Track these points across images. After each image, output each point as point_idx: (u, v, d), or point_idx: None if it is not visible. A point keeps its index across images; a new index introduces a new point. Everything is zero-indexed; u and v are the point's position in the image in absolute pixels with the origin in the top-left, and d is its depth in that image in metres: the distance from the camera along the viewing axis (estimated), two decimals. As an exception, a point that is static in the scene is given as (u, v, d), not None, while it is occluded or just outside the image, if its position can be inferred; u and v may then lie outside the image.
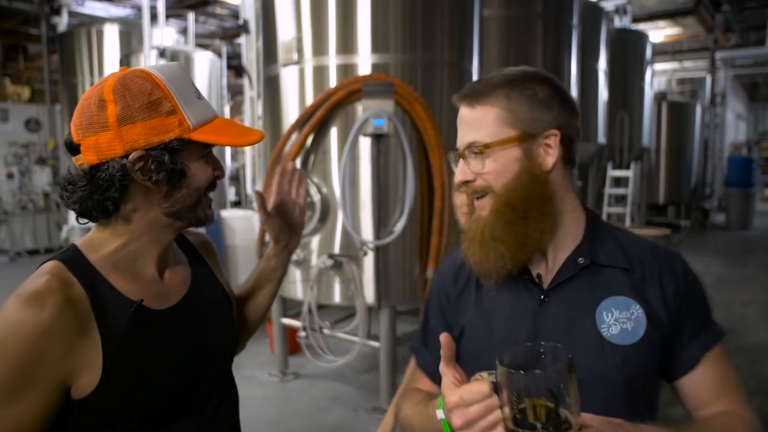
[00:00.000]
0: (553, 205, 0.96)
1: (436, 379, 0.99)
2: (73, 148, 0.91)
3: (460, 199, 1.41)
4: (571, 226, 0.99)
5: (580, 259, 0.97)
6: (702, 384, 0.97)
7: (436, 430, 0.86)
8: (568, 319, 0.95)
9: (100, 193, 0.89)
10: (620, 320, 0.94)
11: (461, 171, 0.97)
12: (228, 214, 6.06)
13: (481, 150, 0.94)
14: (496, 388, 0.72)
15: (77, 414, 0.89)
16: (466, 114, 0.98)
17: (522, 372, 0.68)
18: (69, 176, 0.92)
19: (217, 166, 0.99)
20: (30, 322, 0.82)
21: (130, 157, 0.88)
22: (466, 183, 0.98)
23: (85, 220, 0.94)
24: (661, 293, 0.96)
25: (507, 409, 0.70)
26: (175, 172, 0.91)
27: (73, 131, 0.91)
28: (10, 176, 9.55)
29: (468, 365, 0.91)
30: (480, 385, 0.74)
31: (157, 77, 0.89)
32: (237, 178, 10.34)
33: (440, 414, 0.82)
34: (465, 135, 0.97)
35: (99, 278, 0.91)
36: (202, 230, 1.24)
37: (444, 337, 0.81)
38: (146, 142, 0.88)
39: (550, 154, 0.94)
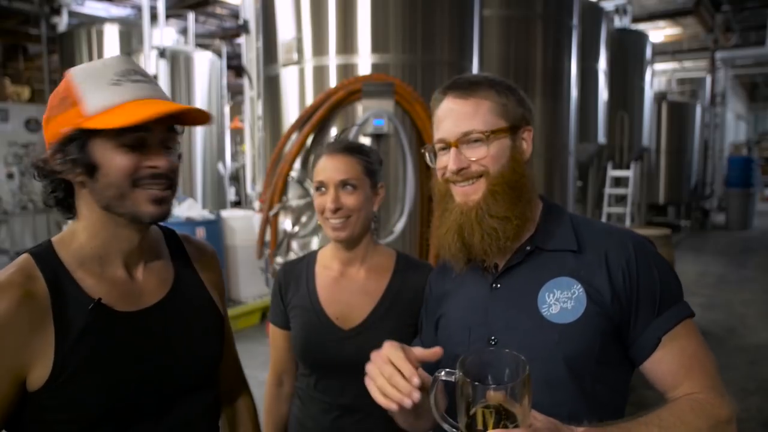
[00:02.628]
0: (527, 191, 1.04)
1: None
2: None
3: (319, 201, 1.40)
4: (530, 216, 1.05)
5: (527, 246, 1.04)
6: (664, 367, 0.96)
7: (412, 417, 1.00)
8: (514, 303, 1.01)
9: (46, 190, 0.95)
10: (561, 300, 0.97)
11: (456, 159, 1.02)
12: (228, 214, 6.07)
13: (480, 137, 1.02)
14: (459, 383, 0.76)
15: (32, 406, 0.89)
16: (457, 106, 1.04)
17: (477, 384, 0.73)
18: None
19: (149, 157, 0.91)
20: None
21: (47, 153, 0.92)
22: (460, 171, 1.03)
23: (70, 216, 0.98)
24: (607, 273, 0.97)
25: (462, 415, 0.75)
26: (83, 163, 0.90)
27: None
28: (10, 176, 9.55)
29: (444, 352, 1.04)
30: (401, 358, 0.86)
31: (71, 75, 0.92)
32: (237, 178, 10.34)
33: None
34: (458, 125, 1.03)
35: (64, 274, 0.93)
36: (204, 241, 1.23)
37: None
38: (54, 137, 0.91)
39: (527, 147, 1.06)
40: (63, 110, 0.90)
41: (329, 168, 1.38)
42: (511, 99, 1.05)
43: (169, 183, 0.95)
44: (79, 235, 0.97)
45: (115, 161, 0.90)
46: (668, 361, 0.95)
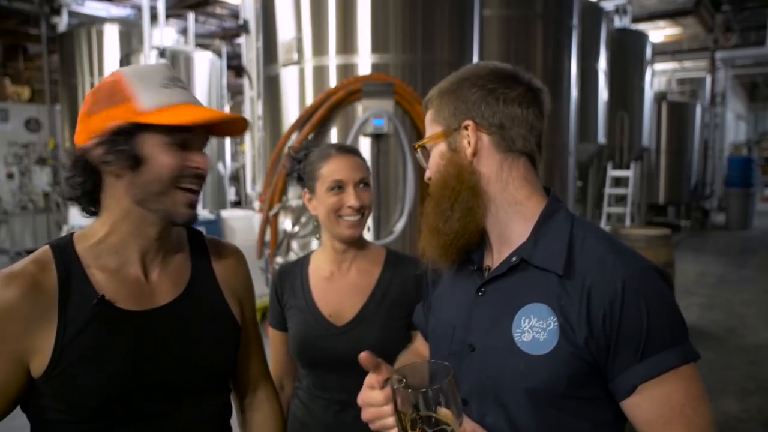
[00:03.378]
0: (482, 195, 0.95)
1: (423, 334, 1.15)
2: None
3: (335, 200, 1.45)
4: (518, 221, 0.95)
5: (513, 257, 0.94)
6: (641, 414, 0.86)
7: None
8: (492, 316, 0.95)
9: (74, 181, 0.96)
10: (535, 328, 0.89)
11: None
12: (228, 214, 6.07)
13: (417, 149, 1.03)
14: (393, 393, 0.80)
15: (34, 392, 0.93)
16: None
17: (403, 390, 0.77)
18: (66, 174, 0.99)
19: (194, 157, 0.96)
20: None
21: (88, 143, 0.93)
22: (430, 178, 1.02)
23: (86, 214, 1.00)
24: (587, 311, 0.85)
25: (398, 418, 0.78)
26: (130, 156, 0.92)
27: None
28: (10, 176, 9.55)
29: (429, 339, 1.08)
30: (377, 394, 0.86)
31: (121, 74, 0.96)
32: (237, 178, 10.35)
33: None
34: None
35: (78, 269, 0.95)
36: (232, 244, 1.22)
37: (364, 356, 0.87)
38: (102, 129, 0.92)
39: (470, 144, 0.95)
40: (112, 105, 0.93)
41: (347, 167, 1.43)
42: (447, 100, 0.99)
43: (202, 185, 1.00)
44: (98, 230, 0.98)
45: (162, 157, 0.93)
46: (646, 409, 0.85)
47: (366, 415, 0.88)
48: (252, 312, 1.20)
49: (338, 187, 1.42)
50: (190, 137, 0.96)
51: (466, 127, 0.95)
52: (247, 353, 1.19)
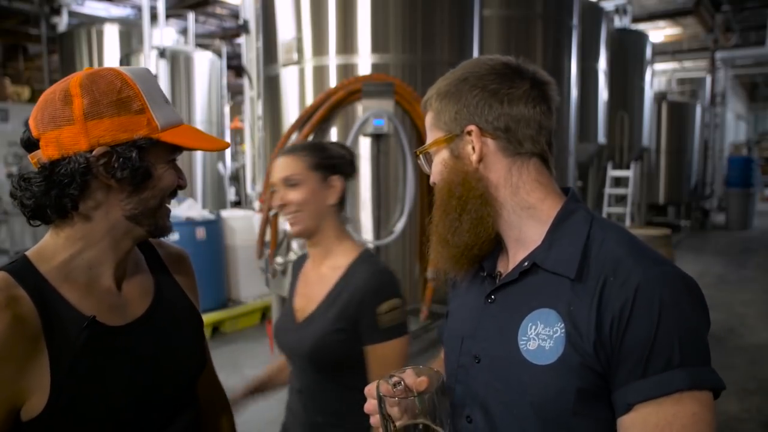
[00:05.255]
0: (492, 202, 0.89)
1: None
2: (31, 144, 0.88)
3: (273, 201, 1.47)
4: (533, 224, 0.89)
5: (525, 262, 0.88)
6: None
7: None
8: (501, 324, 0.89)
9: (58, 190, 0.85)
10: (541, 336, 0.83)
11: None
12: (228, 214, 6.06)
13: (418, 155, 0.97)
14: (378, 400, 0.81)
15: None
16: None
17: (386, 397, 0.79)
18: (24, 173, 0.87)
19: (181, 175, 0.96)
20: None
21: (95, 152, 0.85)
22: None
23: (38, 223, 0.88)
24: (597, 316, 0.78)
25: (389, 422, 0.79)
26: (140, 171, 0.88)
27: (32, 126, 0.87)
28: (10, 176, 9.55)
29: (444, 353, 1.04)
30: (372, 388, 0.85)
31: (127, 76, 0.88)
32: (237, 178, 10.34)
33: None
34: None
35: (50, 291, 0.86)
36: (175, 245, 1.18)
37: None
38: (113, 138, 0.85)
39: (475, 150, 0.89)
40: (126, 112, 0.86)
41: (275, 170, 1.47)
42: (448, 103, 0.94)
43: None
44: (66, 246, 0.90)
45: (166, 175, 0.92)
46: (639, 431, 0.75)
47: (368, 406, 0.88)
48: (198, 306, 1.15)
49: (274, 189, 1.48)
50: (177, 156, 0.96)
51: (469, 133, 0.89)
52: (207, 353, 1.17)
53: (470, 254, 0.92)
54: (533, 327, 0.84)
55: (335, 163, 1.47)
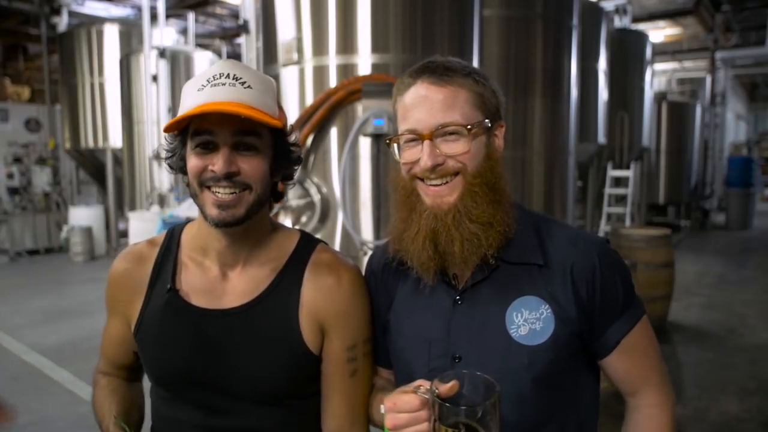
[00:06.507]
0: (508, 197, 0.96)
1: (380, 363, 1.09)
2: None
3: None
4: (510, 225, 0.97)
5: (491, 259, 0.93)
6: (621, 369, 0.98)
7: (380, 421, 0.94)
8: (480, 321, 0.94)
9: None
10: (529, 320, 0.92)
11: (431, 155, 0.90)
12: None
13: (459, 131, 0.91)
14: (432, 402, 0.79)
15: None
16: (432, 94, 0.92)
17: (449, 405, 0.76)
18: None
19: (213, 159, 0.93)
20: (111, 270, 1.10)
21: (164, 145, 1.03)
22: (435, 168, 0.91)
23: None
24: (573, 288, 0.93)
25: (433, 425, 0.79)
26: (174, 158, 1.01)
27: None
28: (10, 176, 9.54)
29: (394, 361, 1.04)
30: (412, 397, 0.81)
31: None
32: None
33: (383, 409, 0.86)
34: (433, 116, 0.91)
35: (174, 255, 1.06)
36: (345, 260, 1.08)
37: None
38: (168, 132, 1.01)
39: (500, 144, 0.98)
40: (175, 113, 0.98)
41: None
42: (488, 89, 0.95)
43: (233, 185, 0.94)
44: (196, 223, 1.07)
45: (191, 161, 0.96)
46: (625, 363, 0.97)
47: (397, 421, 0.81)
48: (343, 346, 1.03)
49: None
50: (212, 138, 0.93)
51: (500, 126, 0.98)
52: (329, 390, 1.05)
53: (503, 234, 0.95)
54: (518, 315, 0.93)
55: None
